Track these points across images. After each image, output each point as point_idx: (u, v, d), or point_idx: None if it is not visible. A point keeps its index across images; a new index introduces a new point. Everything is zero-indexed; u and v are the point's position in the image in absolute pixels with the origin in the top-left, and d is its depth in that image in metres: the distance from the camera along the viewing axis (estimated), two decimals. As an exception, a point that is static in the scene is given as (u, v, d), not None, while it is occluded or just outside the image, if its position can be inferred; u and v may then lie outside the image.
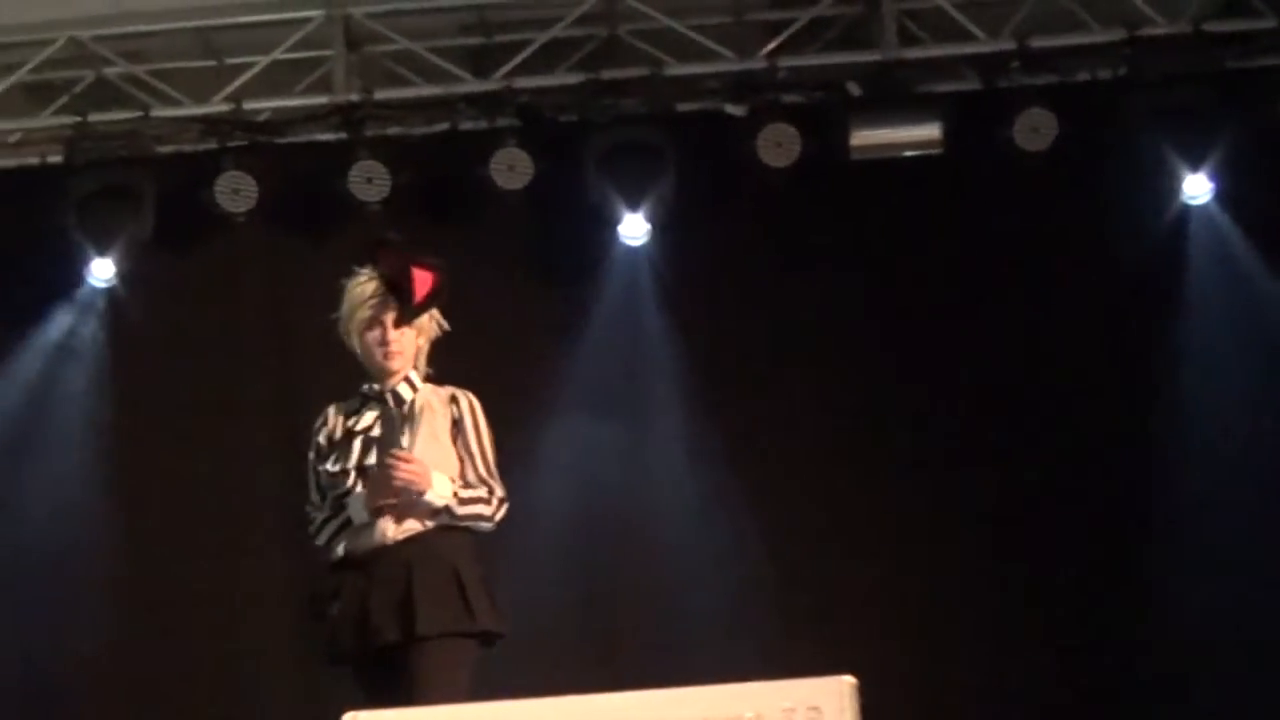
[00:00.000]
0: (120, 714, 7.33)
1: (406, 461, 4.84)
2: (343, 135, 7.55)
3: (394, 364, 5.03)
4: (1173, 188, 7.42)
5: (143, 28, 7.62)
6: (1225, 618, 7.11)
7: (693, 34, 7.52)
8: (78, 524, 7.39)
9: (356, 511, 4.90)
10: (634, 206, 7.41)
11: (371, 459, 4.92)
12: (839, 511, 7.29)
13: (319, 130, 7.63)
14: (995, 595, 7.20)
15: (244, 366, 7.61)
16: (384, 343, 5.00)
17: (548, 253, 7.69)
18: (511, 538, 7.02)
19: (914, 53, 7.49)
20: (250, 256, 7.67)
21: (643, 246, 7.53)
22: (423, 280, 5.05)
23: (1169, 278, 7.48)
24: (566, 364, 7.51)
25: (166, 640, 7.33)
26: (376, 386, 5.05)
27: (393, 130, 7.59)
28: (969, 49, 7.50)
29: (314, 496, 5.08)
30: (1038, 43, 7.41)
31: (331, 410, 5.11)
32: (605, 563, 7.33)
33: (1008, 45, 7.42)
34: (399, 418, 4.97)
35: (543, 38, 7.55)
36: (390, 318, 5.01)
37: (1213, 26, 7.35)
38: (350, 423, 5.02)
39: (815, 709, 3.91)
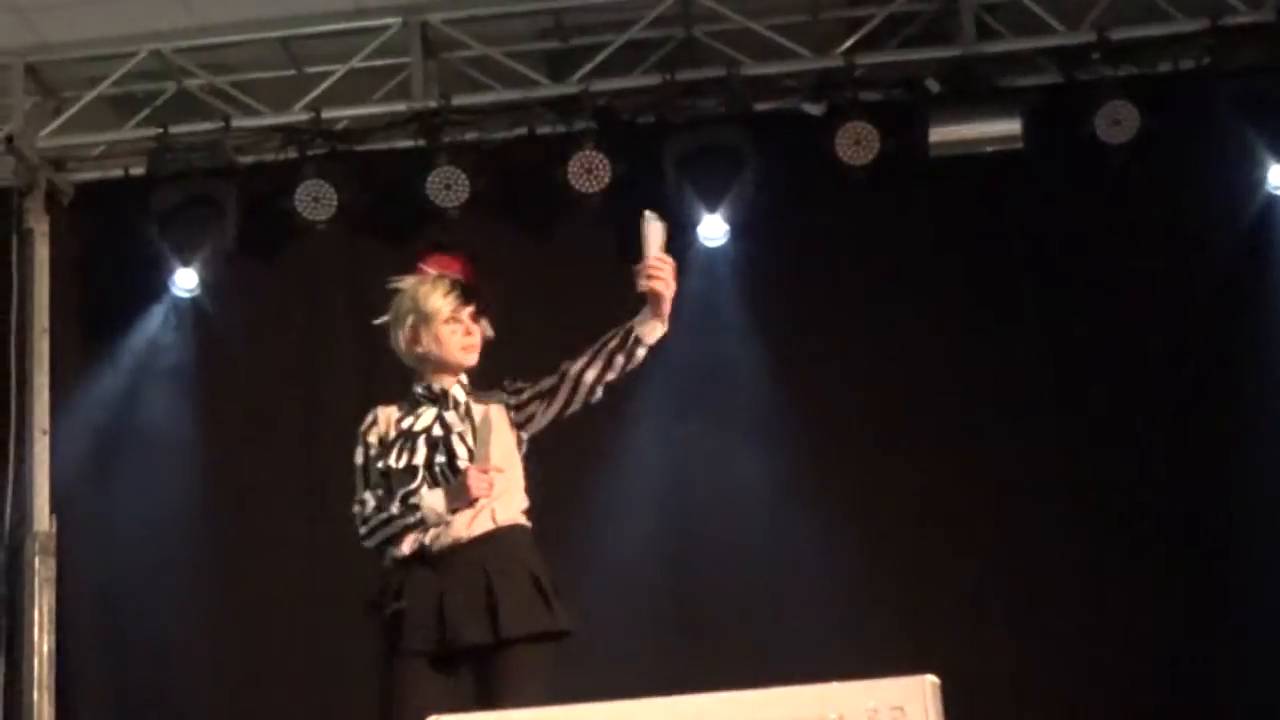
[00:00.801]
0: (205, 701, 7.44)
1: (488, 472, 4.84)
2: (421, 142, 7.61)
3: (471, 359, 5.05)
4: (1259, 178, 7.32)
5: (222, 39, 7.73)
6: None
7: (769, 33, 7.52)
8: (167, 532, 7.52)
9: (428, 510, 4.85)
10: (713, 208, 7.42)
11: (440, 458, 4.92)
12: (926, 510, 7.27)
13: (398, 137, 7.72)
14: (1082, 597, 7.16)
15: (328, 372, 7.66)
16: (467, 336, 5.06)
17: (627, 256, 7.67)
18: (598, 538, 7.16)
19: (992, 47, 7.45)
20: (332, 264, 7.74)
21: (722, 248, 7.54)
22: (463, 267, 5.15)
23: (1255, 270, 7.40)
24: (648, 367, 7.50)
25: (260, 644, 7.44)
26: (434, 387, 5.03)
27: (470, 136, 7.66)
28: (1048, 42, 7.46)
29: (363, 495, 5.01)
30: (1118, 34, 7.34)
31: (380, 410, 5.10)
32: (690, 563, 7.33)
33: (1088, 37, 7.37)
34: (467, 420, 4.97)
35: (619, 40, 7.58)
36: (468, 313, 5.04)
37: (1296, 13, 7.29)
38: (407, 423, 4.99)
39: (899, 709, 3.91)
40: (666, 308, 5.15)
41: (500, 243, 7.69)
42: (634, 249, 7.63)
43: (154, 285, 7.74)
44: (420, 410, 5.02)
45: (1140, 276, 7.43)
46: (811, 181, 7.48)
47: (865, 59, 7.49)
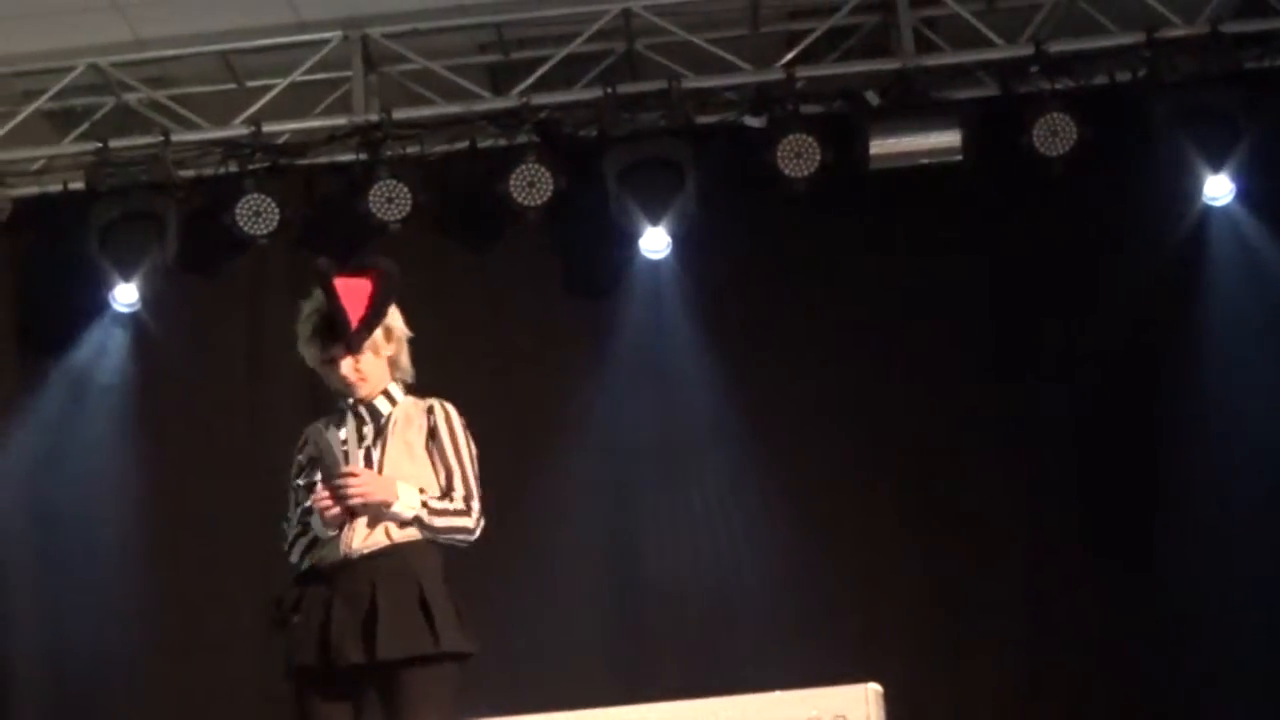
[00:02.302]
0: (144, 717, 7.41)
1: (355, 476, 4.67)
2: (363, 155, 7.62)
3: (363, 391, 4.84)
4: (1194, 189, 7.43)
5: (162, 53, 7.71)
6: (1250, 615, 7.14)
7: (710, 46, 7.57)
8: (105, 534, 7.51)
9: (319, 525, 4.74)
10: (655, 220, 7.45)
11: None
12: (871, 521, 7.33)
13: (339, 151, 7.72)
14: (1025, 605, 7.24)
15: (268, 387, 7.63)
16: (343, 377, 4.81)
17: (570, 268, 7.77)
18: (543, 550, 7.19)
19: (932, 60, 7.52)
20: (273, 278, 7.71)
21: (664, 260, 7.59)
22: (358, 295, 4.79)
23: (1191, 279, 7.49)
24: (591, 379, 7.59)
25: (203, 658, 7.43)
26: (352, 401, 4.86)
27: (412, 149, 7.67)
28: (987, 55, 7.54)
29: (290, 513, 4.93)
30: (1056, 47, 7.43)
31: (310, 430, 4.89)
32: (640, 574, 7.36)
33: (1025, 50, 7.45)
34: (384, 433, 4.82)
35: (560, 53, 7.61)
36: (338, 350, 4.79)
37: (1231, 27, 7.37)
38: (328, 436, 4.83)
39: (841, 716, 4.01)
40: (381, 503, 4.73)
41: (443, 256, 7.74)
42: (577, 266, 7.79)
43: (94, 300, 7.70)
44: (343, 424, 4.91)
45: (1079, 284, 7.52)
46: (753, 194, 7.53)
47: (805, 72, 7.55)
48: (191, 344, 7.76)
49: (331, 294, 4.73)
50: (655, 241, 7.54)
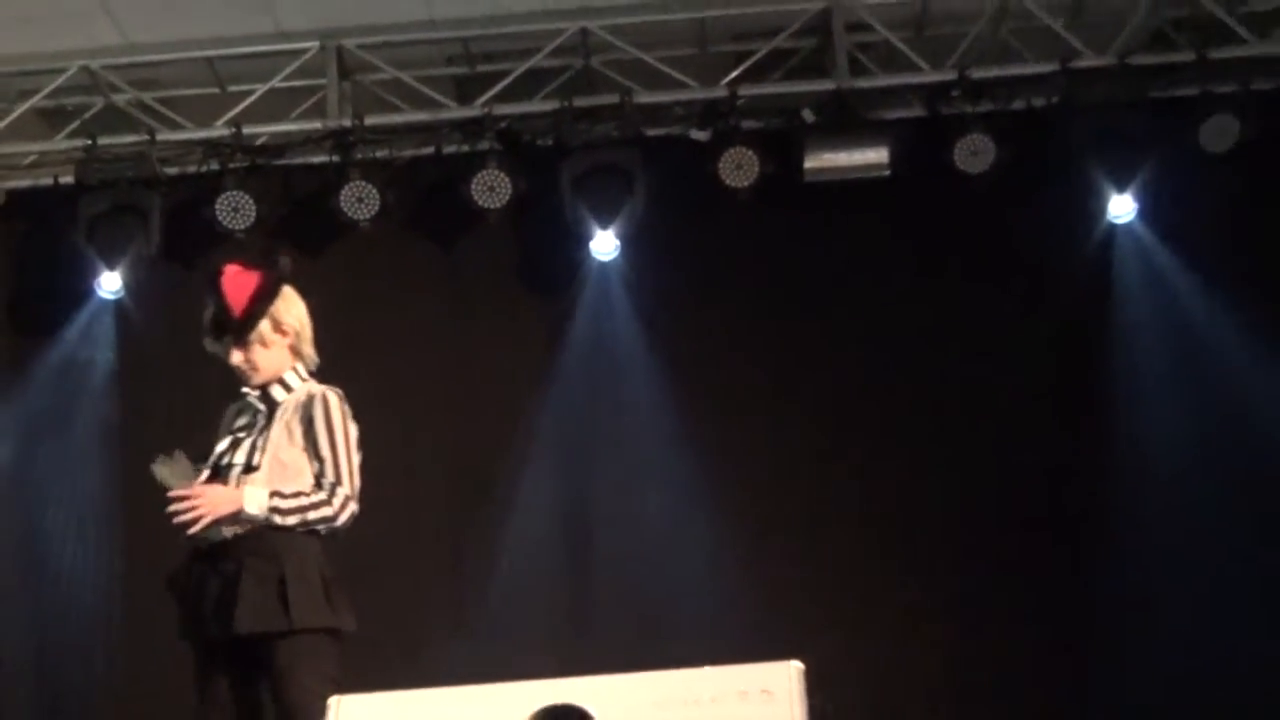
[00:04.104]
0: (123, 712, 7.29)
1: (195, 497, 4.60)
2: (335, 158, 7.56)
3: (256, 380, 4.79)
4: (1101, 207, 7.49)
5: (150, 58, 7.62)
6: (1153, 604, 7.16)
7: (660, 65, 7.55)
8: (87, 518, 7.42)
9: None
10: (605, 224, 7.44)
11: (228, 459, 4.75)
12: (806, 508, 7.33)
13: (313, 153, 7.66)
14: (951, 587, 7.23)
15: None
16: (235, 367, 4.79)
17: (526, 266, 7.75)
18: (499, 534, 7.17)
19: (864, 82, 7.52)
20: (249, 270, 7.70)
21: (613, 261, 7.57)
22: (243, 289, 4.75)
23: (1099, 290, 7.54)
24: (545, 369, 7.58)
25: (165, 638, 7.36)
26: (250, 391, 4.83)
27: (381, 153, 7.61)
28: (914, 79, 7.54)
29: None
30: (978, 73, 7.45)
31: (225, 415, 4.88)
32: (585, 558, 7.34)
33: (950, 75, 7.46)
34: (270, 424, 4.71)
35: (521, 67, 7.57)
36: (228, 342, 4.78)
37: (1138, 59, 7.41)
38: (235, 423, 4.84)
39: (767, 692, 3.98)
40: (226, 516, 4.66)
41: (408, 253, 7.71)
42: (533, 265, 7.76)
43: (81, 287, 7.62)
44: (244, 412, 4.86)
45: (995, 294, 7.53)
46: (697, 201, 7.50)
47: (748, 90, 7.53)
48: (172, 330, 7.64)
49: (217, 289, 4.72)
50: (605, 244, 7.53)
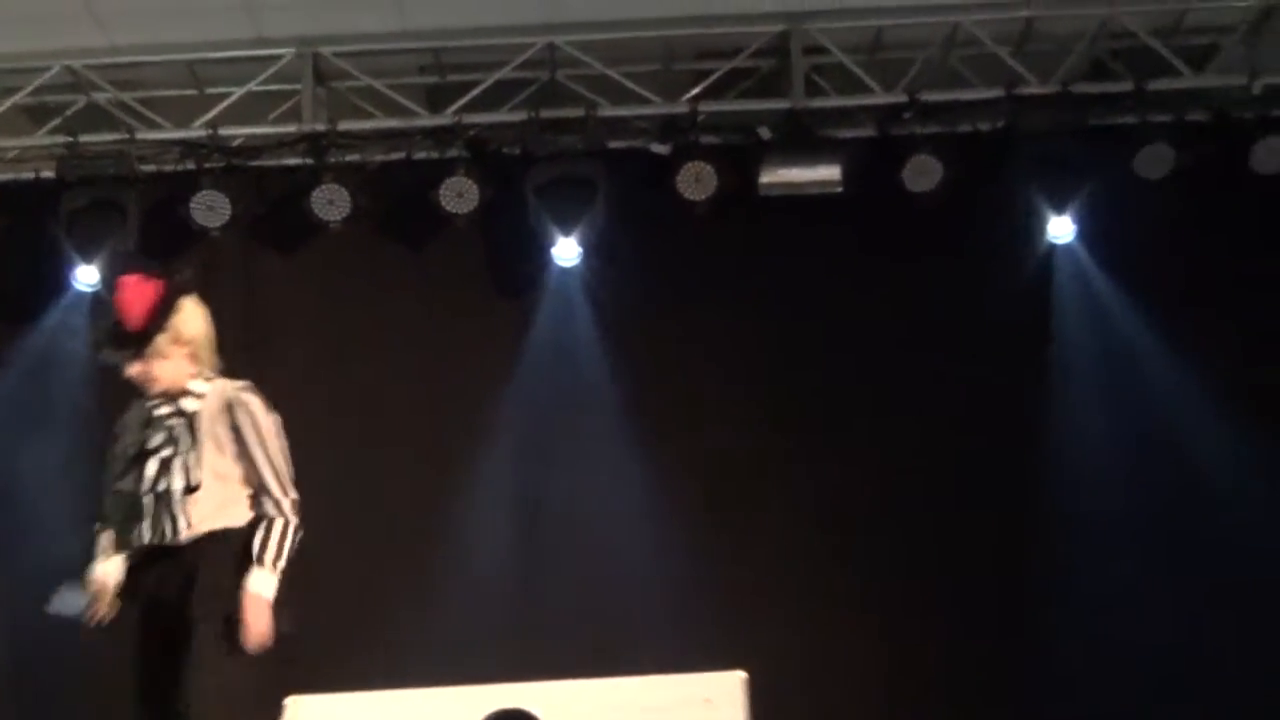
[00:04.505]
0: (98, 702, 7.18)
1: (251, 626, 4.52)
2: (309, 161, 7.64)
3: (157, 389, 4.65)
4: (1041, 228, 7.64)
5: (131, 59, 7.68)
6: (1086, 609, 7.34)
7: (624, 80, 7.65)
8: (64, 504, 7.46)
9: (141, 533, 4.60)
10: (567, 232, 7.55)
11: (165, 484, 4.59)
12: (748, 517, 7.45)
13: (287, 155, 7.73)
14: (894, 597, 7.37)
15: (220, 365, 7.67)
16: (134, 379, 4.64)
17: (491, 270, 7.84)
18: (454, 540, 7.24)
19: (819, 102, 7.65)
20: (223, 267, 7.71)
21: (575, 267, 7.69)
22: (139, 300, 4.59)
23: (1038, 307, 7.70)
24: (507, 369, 7.67)
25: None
26: (152, 399, 4.67)
27: (353, 157, 7.69)
28: (867, 100, 7.66)
29: (106, 510, 4.72)
30: (927, 97, 7.58)
31: (129, 420, 4.72)
32: (536, 564, 7.41)
33: (901, 98, 7.59)
34: (178, 438, 4.60)
35: (491, 79, 7.66)
36: (125, 354, 4.64)
37: (1079, 88, 7.55)
38: (143, 438, 4.67)
39: (710, 701, 4.11)
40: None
41: (378, 255, 7.79)
42: (498, 269, 7.84)
43: (59, 280, 7.67)
44: (153, 429, 4.66)
45: (940, 306, 7.67)
46: (656, 213, 7.61)
47: (707, 107, 7.64)
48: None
49: (114, 301, 4.60)
50: (567, 250, 7.65)
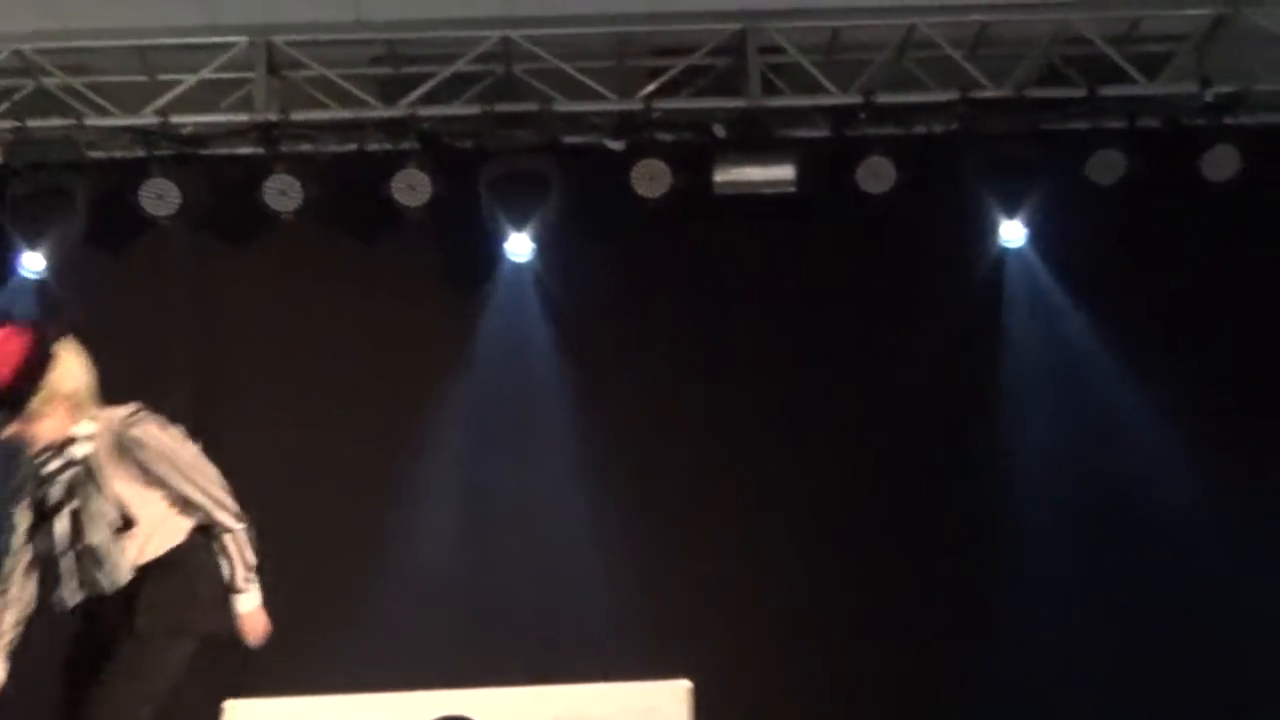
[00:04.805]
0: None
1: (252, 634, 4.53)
2: (260, 150, 7.48)
3: (40, 444, 4.33)
4: (993, 231, 7.58)
5: (81, 43, 7.48)
6: (1034, 608, 7.30)
7: (580, 75, 7.52)
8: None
9: (70, 593, 4.41)
10: (520, 226, 7.43)
11: (83, 540, 4.37)
12: (694, 523, 7.36)
13: (239, 144, 7.57)
14: (837, 605, 7.31)
15: (167, 356, 7.51)
16: (12, 439, 4.32)
17: (443, 264, 7.73)
18: (397, 538, 7.12)
19: (774, 102, 7.55)
20: (173, 257, 7.60)
21: (528, 262, 7.56)
22: (7, 359, 4.24)
23: (989, 308, 7.64)
24: (457, 364, 7.55)
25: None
26: (46, 458, 4.37)
27: (306, 148, 7.54)
28: (822, 100, 7.57)
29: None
30: (882, 98, 7.49)
31: (21, 478, 4.42)
32: (484, 565, 7.29)
33: (855, 99, 7.50)
34: (78, 488, 4.35)
35: (445, 72, 7.52)
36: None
37: (1033, 92, 7.49)
38: (40, 496, 4.40)
39: (653, 709, 4.02)
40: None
41: (329, 247, 7.66)
42: (449, 263, 7.71)
43: (4, 266, 7.48)
44: (50, 484, 4.37)
45: (891, 309, 7.61)
46: (610, 209, 7.50)
47: (662, 104, 7.53)
48: (95, 311, 7.49)
49: (19, 347, 4.27)
50: (520, 246, 7.53)
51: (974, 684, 7.17)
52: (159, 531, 4.42)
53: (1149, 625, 7.32)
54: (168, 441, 4.39)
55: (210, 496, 4.44)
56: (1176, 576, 7.34)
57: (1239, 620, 7.28)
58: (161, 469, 4.35)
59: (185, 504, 4.45)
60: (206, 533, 4.52)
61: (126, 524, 4.36)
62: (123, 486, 4.33)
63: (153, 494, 4.37)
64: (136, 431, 4.36)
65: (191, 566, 4.48)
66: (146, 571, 4.40)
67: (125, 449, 4.32)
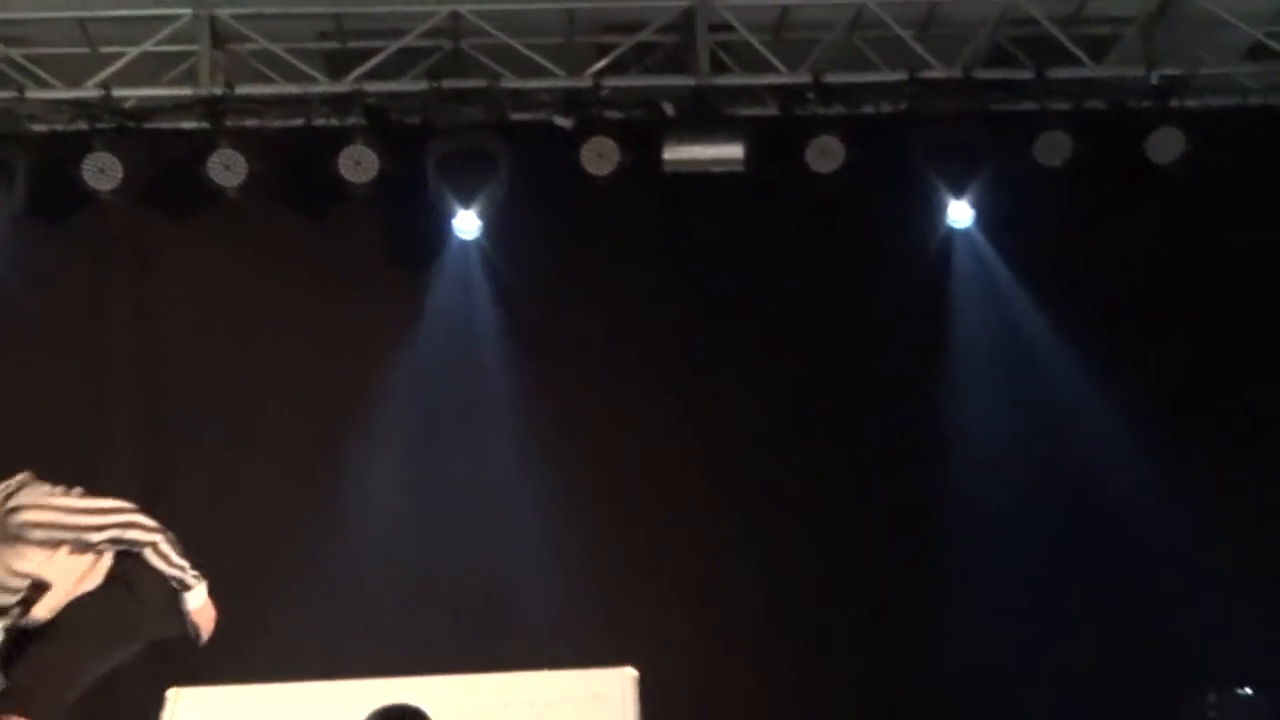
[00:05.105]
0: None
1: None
2: (205, 125, 7.28)
3: None
4: (941, 212, 7.49)
5: (21, 15, 7.26)
6: (982, 591, 7.22)
7: (529, 52, 7.38)
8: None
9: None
10: (467, 204, 7.28)
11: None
12: (646, 510, 7.25)
13: (183, 119, 7.38)
14: (782, 596, 7.22)
15: (109, 329, 7.36)
16: None
17: (389, 241, 7.58)
18: (340, 523, 6.99)
19: (723, 80, 7.43)
20: (115, 231, 7.41)
21: (475, 240, 7.42)
22: None
23: (935, 285, 7.57)
24: (403, 342, 7.42)
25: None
26: None
27: (251, 123, 7.36)
28: (771, 79, 7.46)
29: None
30: (831, 78, 7.39)
31: None
32: (429, 549, 7.14)
33: (805, 79, 7.40)
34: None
35: (393, 47, 7.35)
36: None
37: (981, 73, 7.42)
38: None
39: (600, 696, 3.94)
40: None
41: (275, 223, 7.50)
42: (395, 240, 7.56)
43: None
44: None
45: (840, 288, 7.53)
46: (558, 187, 7.36)
47: (611, 81, 7.40)
48: (37, 285, 7.39)
49: None
50: (467, 223, 7.38)
51: (921, 670, 7.11)
52: (81, 580, 4.30)
53: (1097, 609, 7.29)
54: (54, 513, 4.23)
55: (115, 529, 4.30)
56: (1126, 560, 7.30)
57: (1190, 605, 7.18)
58: (57, 535, 4.22)
59: (97, 553, 4.31)
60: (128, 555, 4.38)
61: (40, 587, 4.23)
62: (24, 564, 4.21)
63: (60, 552, 4.24)
64: (19, 518, 4.20)
65: (130, 579, 4.35)
66: (82, 598, 4.29)
67: (15, 535, 4.18)
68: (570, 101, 7.39)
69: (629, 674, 4.03)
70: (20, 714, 4.06)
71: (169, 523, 4.58)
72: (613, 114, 7.39)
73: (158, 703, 4.88)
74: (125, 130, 7.32)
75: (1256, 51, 7.59)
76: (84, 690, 4.26)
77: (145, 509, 4.42)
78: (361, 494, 7.05)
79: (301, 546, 6.79)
